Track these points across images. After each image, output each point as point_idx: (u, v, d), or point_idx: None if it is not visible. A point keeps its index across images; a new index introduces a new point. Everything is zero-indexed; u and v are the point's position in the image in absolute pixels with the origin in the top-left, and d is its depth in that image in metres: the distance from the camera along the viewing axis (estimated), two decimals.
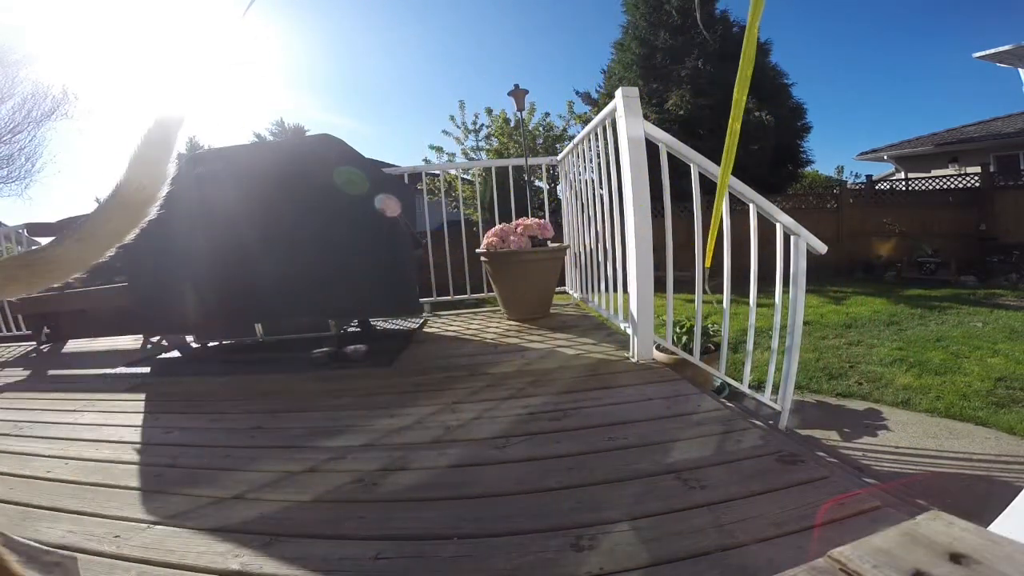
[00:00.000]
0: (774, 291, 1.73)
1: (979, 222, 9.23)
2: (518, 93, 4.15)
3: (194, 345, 2.82)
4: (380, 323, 3.08)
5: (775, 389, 1.77)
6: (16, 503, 1.16)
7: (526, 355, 2.15)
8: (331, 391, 1.87)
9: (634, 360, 1.92)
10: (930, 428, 2.93)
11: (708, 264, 1.73)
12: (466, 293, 3.51)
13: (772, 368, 1.76)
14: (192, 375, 2.33)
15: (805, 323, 4.88)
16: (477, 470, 1.18)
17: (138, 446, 1.50)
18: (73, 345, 3.38)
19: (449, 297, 3.49)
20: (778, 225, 1.70)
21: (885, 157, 13.68)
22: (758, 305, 1.76)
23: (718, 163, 1.78)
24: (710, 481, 1.04)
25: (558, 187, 3.74)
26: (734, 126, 0.97)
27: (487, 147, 11.56)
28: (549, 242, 2.77)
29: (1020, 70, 5.33)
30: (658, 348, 2.05)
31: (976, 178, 9.79)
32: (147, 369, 2.44)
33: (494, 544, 0.89)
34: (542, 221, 2.76)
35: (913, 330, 4.91)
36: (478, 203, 4.20)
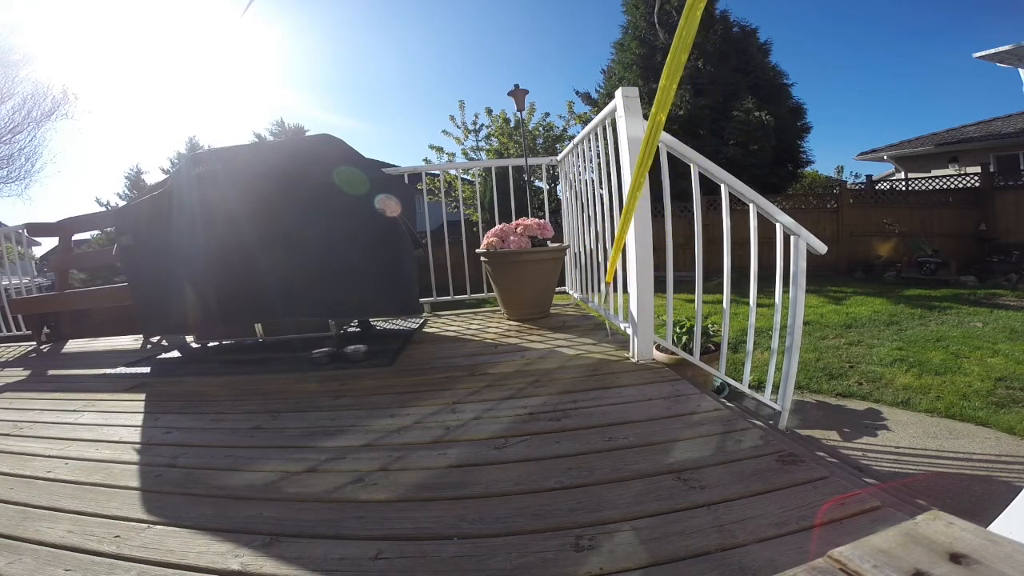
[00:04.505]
0: (774, 291, 1.73)
1: (979, 222, 9.24)
2: (518, 93, 4.14)
3: (194, 345, 2.82)
4: (380, 323, 3.08)
5: (775, 389, 1.77)
6: (16, 503, 1.16)
7: (526, 355, 2.15)
8: (331, 391, 1.87)
9: (634, 360, 1.92)
10: (930, 428, 2.93)
11: (609, 279, 1.70)
12: (466, 293, 3.51)
13: (772, 368, 1.76)
14: (192, 375, 2.33)
15: (805, 323, 4.89)
16: (477, 470, 1.18)
17: (138, 446, 1.50)
18: (73, 345, 3.38)
19: (449, 297, 3.49)
20: (778, 225, 1.70)
21: (885, 157, 13.68)
22: (758, 305, 1.76)
23: (718, 163, 1.79)
24: (710, 481, 1.04)
25: (558, 187, 3.74)
26: (659, 117, 0.87)
27: (487, 147, 11.55)
28: (549, 242, 2.77)
29: (1020, 70, 5.32)
30: (658, 348, 2.05)
31: (976, 178, 9.80)
32: (147, 369, 2.44)
33: (494, 544, 0.89)
34: (542, 221, 2.77)
35: (913, 330, 4.91)
36: (478, 203, 4.21)
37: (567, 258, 3.32)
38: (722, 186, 1.76)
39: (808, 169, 13.05)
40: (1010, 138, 11.40)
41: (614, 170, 2.02)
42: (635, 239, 1.82)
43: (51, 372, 2.72)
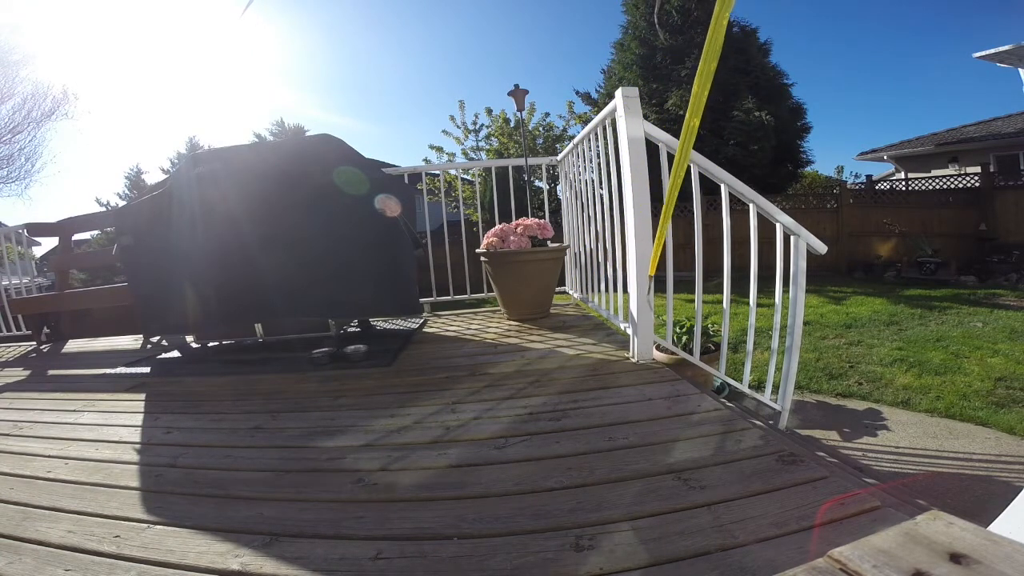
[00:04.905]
0: (774, 291, 1.73)
1: (979, 222, 9.24)
2: (518, 93, 4.14)
3: (194, 345, 2.82)
4: (380, 323, 3.08)
5: (775, 389, 1.77)
6: (16, 503, 1.16)
7: (526, 355, 2.15)
8: (331, 391, 1.87)
9: (634, 360, 1.92)
10: (930, 428, 2.93)
11: (652, 272, 1.72)
12: (466, 293, 3.51)
13: (772, 368, 1.76)
14: (192, 375, 2.33)
15: (805, 323, 4.88)
16: (477, 470, 1.18)
17: (138, 446, 1.50)
18: (73, 345, 3.38)
19: (449, 297, 3.49)
20: (778, 225, 1.70)
21: (885, 157, 13.68)
22: (758, 305, 1.76)
23: (718, 163, 1.79)
24: (710, 481, 1.04)
25: (558, 187, 3.74)
26: (692, 122, 0.91)
27: (487, 147, 11.55)
28: (549, 242, 2.77)
29: (1020, 70, 5.32)
30: (658, 348, 2.05)
31: (976, 178, 9.80)
32: (147, 369, 2.44)
33: (494, 544, 0.89)
34: (542, 221, 2.77)
35: (913, 330, 4.91)
36: (478, 203, 4.21)
37: (567, 258, 3.32)
38: (722, 186, 1.76)
39: (808, 169, 13.04)
40: (1010, 138, 11.40)
41: (614, 170, 2.02)
42: (635, 239, 1.82)
43: (51, 372, 2.72)
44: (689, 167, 1.77)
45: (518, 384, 1.76)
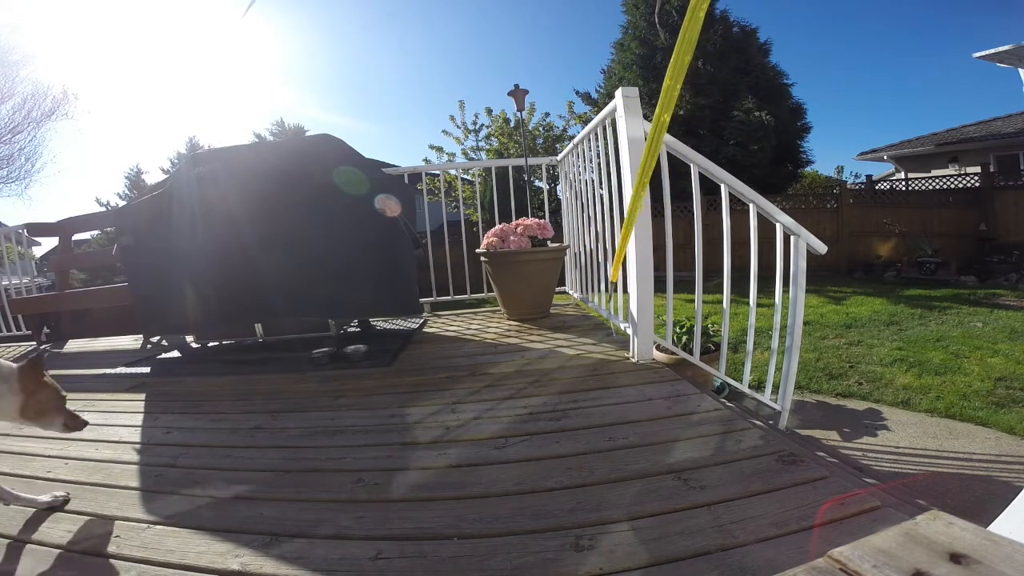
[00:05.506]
0: (774, 291, 1.73)
1: (979, 222, 9.24)
2: (518, 93, 4.15)
3: (194, 345, 2.82)
4: (380, 323, 3.08)
5: (775, 389, 1.77)
6: None
7: (526, 355, 2.15)
8: (331, 391, 1.87)
9: (634, 360, 1.92)
10: (930, 428, 2.93)
11: (615, 278, 1.70)
12: (466, 293, 3.51)
13: (772, 368, 1.76)
14: (192, 375, 2.33)
15: (805, 323, 4.88)
16: (477, 470, 1.18)
17: (138, 446, 1.50)
18: (73, 345, 3.38)
19: (449, 297, 3.50)
20: (778, 225, 1.70)
21: (885, 157, 13.68)
22: (758, 305, 1.76)
23: (718, 163, 1.79)
24: (710, 481, 1.04)
25: (558, 187, 3.74)
26: (663, 117, 0.89)
27: (487, 147, 11.56)
28: (549, 242, 2.77)
29: (1020, 70, 5.31)
30: (658, 348, 2.05)
31: (976, 178, 9.80)
32: (147, 369, 2.43)
33: (494, 544, 0.89)
34: (542, 221, 2.77)
35: (913, 330, 4.91)
36: (478, 203, 4.21)
37: (567, 258, 3.32)
38: (722, 186, 1.76)
39: (808, 169, 13.04)
40: (1010, 138, 11.40)
41: (614, 170, 2.02)
42: (635, 239, 1.82)
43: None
44: (689, 168, 1.77)
45: (518, 384, 1.76)
